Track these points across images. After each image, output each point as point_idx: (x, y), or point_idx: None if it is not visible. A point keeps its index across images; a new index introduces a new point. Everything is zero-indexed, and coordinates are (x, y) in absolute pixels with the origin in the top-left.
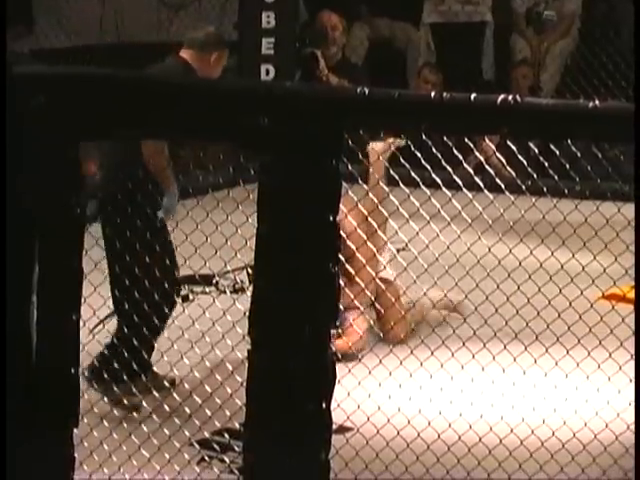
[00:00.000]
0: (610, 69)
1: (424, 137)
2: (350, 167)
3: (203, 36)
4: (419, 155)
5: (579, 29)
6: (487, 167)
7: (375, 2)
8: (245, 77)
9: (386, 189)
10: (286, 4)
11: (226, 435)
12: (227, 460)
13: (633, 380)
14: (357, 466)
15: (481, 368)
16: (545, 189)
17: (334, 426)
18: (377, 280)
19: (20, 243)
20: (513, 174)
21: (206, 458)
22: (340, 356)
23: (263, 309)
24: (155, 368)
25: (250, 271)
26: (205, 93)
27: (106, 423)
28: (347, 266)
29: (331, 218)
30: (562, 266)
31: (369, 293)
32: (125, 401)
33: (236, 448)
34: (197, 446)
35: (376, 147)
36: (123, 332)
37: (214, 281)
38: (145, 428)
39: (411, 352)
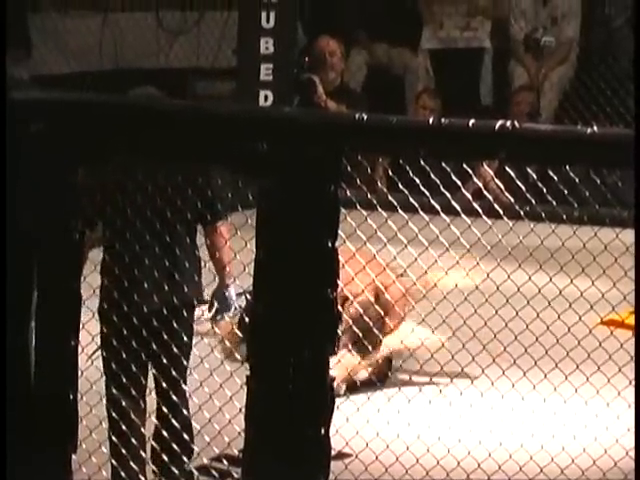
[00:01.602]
0: (608, 95)
1: (422, 163)
2: (348, 193)
3: None
4: (417, 181)
5: (577, 55)
6: (485, 193)
7: (374, 28)
8: (243, 103)
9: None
10: (284, 30)
11: (225, 461)
12: None
13: (631, 405)
14: None
15: (480, 394)
16: (543, 215)
17: (333, 452)
18: None
19: (19, 268)
20: (511, 200)
21: None
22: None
23: (262, 334)
24: None
25: (249, 296)
26: (204, 119)
27: (104, 449)
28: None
29: (329, 243)
30: (560, 292)
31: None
32: None
33: (235, 475)
34: (196, 472)
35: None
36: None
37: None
38: (143, 454)
39: (409, 378)
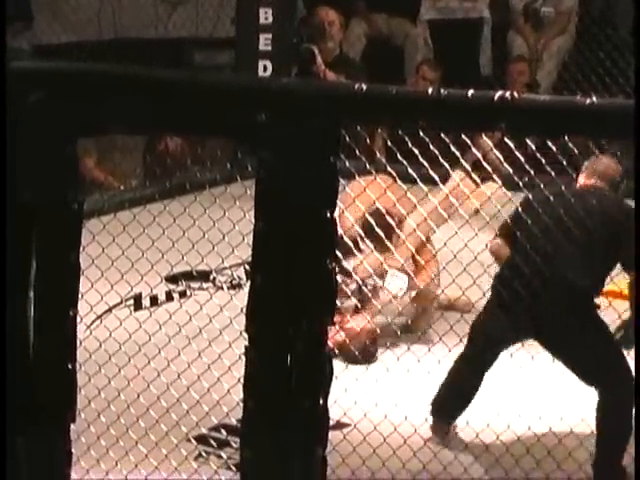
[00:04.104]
0: (608, 66)
1: (421, 134)
2: (347, 163)
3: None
4: (416, 151)
5: (576, 26)
6: (484, 164)
7: None
8: (242, 73)
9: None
10: (283, 0)
11: (223, 431)
12: (224, 456)
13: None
14: (354, 462)
15: None
16: (542, 185)
17: (331, 422)
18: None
19: (17, 239)
20: (510, 170)
21: (203, 454)
22: (337, 352)
23: (260, 305)
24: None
25: (247, 267)
26: (203, 89)
27: (103, 419)
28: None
29: (328, 214)
30: None
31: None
32: None
33: (233, 444)
34: (194, 442)
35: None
36: None
37: (211, 277)
38: (142, 424)
39: (408, 348)
